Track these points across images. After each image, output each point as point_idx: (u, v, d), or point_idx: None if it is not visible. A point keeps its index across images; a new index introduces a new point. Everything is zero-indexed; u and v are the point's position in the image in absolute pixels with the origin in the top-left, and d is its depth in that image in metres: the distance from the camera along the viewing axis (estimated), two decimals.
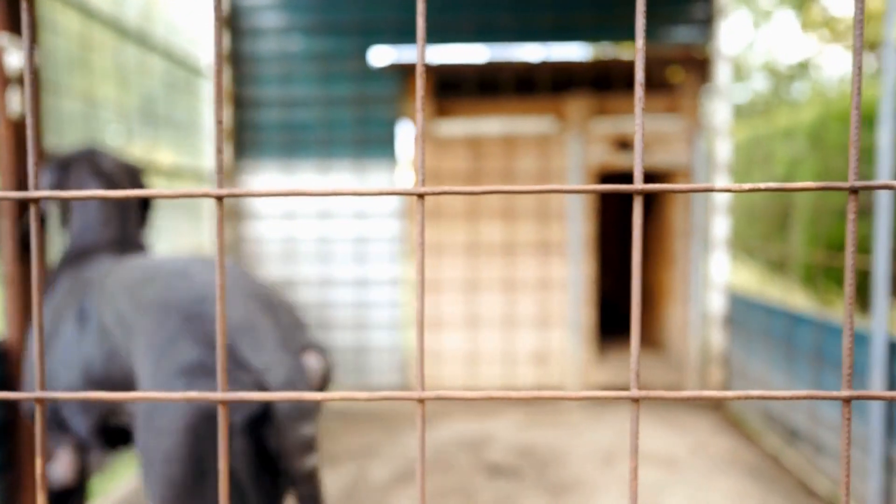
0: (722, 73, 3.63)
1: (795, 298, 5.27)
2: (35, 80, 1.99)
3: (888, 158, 2.12)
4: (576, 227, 3.72)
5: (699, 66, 3.67)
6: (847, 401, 0.70)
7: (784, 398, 0.61)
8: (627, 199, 5.17)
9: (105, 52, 2.82)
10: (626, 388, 3.84)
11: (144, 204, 1.94)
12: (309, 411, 1.29)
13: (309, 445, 1.29)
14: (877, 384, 2.17)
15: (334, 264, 3.91)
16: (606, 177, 4.57)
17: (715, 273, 3.69)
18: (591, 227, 3.75)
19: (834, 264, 5.22)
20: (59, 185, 1.80)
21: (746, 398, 0.56)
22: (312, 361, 1.40)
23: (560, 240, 3.75)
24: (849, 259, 0.71)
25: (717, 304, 3.69)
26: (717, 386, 3.74)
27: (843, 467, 0.69)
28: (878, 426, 2.18)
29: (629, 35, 3.85)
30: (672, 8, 3.80)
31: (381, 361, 3.95)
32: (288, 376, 1.29)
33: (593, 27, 3.82)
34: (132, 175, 1.91)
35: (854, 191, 0.69)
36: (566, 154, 3.71)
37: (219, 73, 0.59)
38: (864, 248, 4.47)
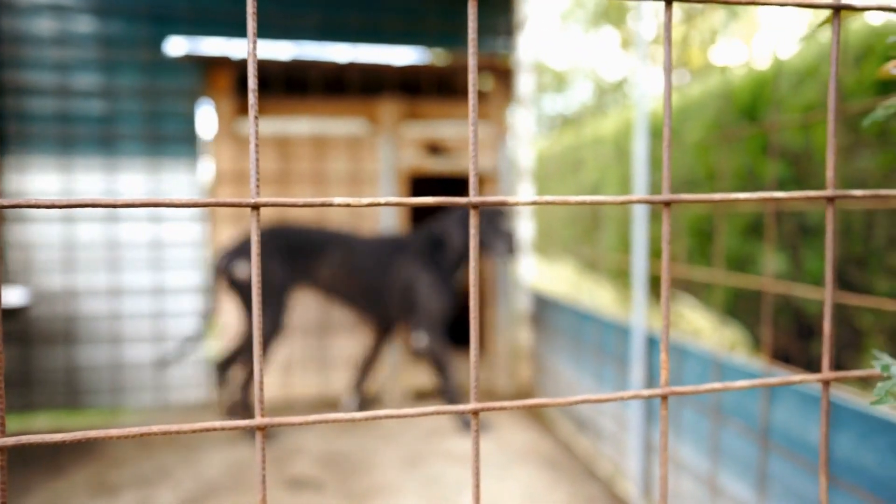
0: (525, 83, 3.82)
1: (605, 296, 5.72)
2: None
3: (643, 166, 2.33)
4: (388, 229, 3.71)
5: (505, 75, 3.83)
6: (475, 413, 0.70)
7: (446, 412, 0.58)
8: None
9: None
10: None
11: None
12: None
13: None
14: (637, 373, 2.38)
15: (126, 272, 3.54)
16: (417, 180, 4.64)
17: (522, 274, 3.88)
18: (403, 230, 3.76)
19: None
20: None
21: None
22: None
23: None
24: (473, 275, 0.71)
25: (525, 304, 3.88)
26: (525, 382, 3.93)
27: (473, 475, 0.69)
28: (638, 411, 2.39)
29: (439, 41, 3.92)
30: (479, 19, 3.93)
31: (184, 376, 3.65)
32: None
33: (403, 31, 3.84)
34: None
35: (475, 206, 0.70)
36: (378, 157, 3.69)
37: None
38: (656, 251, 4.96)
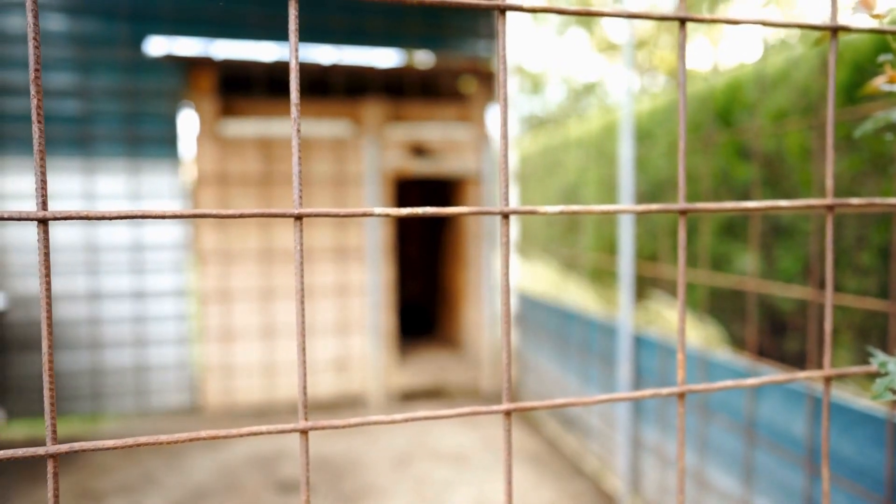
0: (508, 85, 3.87)
1: (585, 296, 5.81)
2: None
3: (628, 169, 2.39)
4: (374, 232, 3.72)
5: (486, 78, 3.87)
6: (507, 413, 0.73)
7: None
8: (429, 203, 5.32)
9: None
10: (428, 391, 3.93)
11: None
12: None
13: None
14: (624, 372, 2.44)
15: (105, 276, 3.49)
16: (402, 182, 4.66)
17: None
18: (389, 233, 3.78)
19: (614, 267, 5.86)
20: None
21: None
22: None
23: (358, 245, 3.73)
24: (504, 280, 0.74)
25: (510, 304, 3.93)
26: (511, 381, 3.97)
27: (505, 474, 0.72)
28: (626, 410, 2.45)
29: (421, 43, 3.95)
30: (461, 22, 3.96)
31: (166, 380, 3.61)
32: None
33: (386, 33, 3.85)
34: None
35: (506, 216, 0.73)
36: (362, 158, 3.70)
37: None
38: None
